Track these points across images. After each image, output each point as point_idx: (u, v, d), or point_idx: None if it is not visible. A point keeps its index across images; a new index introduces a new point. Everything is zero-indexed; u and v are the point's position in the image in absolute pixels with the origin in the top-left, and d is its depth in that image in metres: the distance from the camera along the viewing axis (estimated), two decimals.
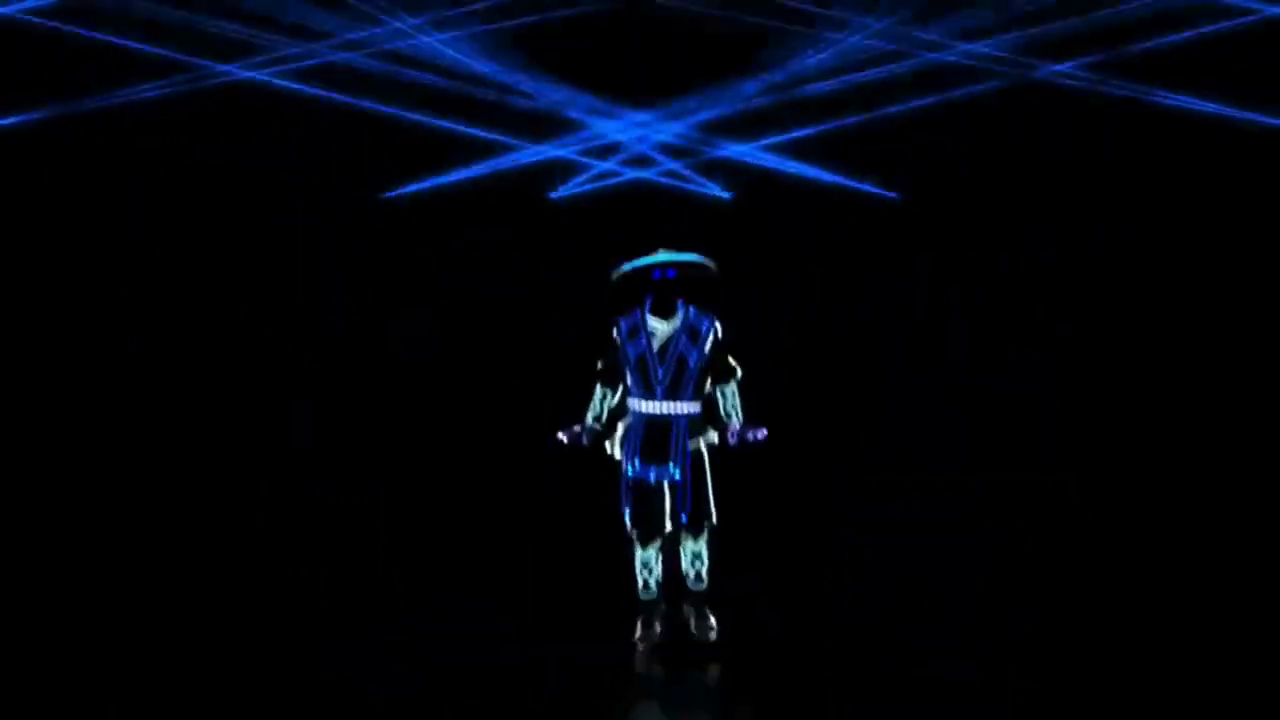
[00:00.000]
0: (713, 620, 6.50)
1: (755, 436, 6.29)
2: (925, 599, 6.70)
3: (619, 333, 6.43)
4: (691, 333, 6.38)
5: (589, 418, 6.47)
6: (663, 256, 6.38)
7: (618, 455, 6.45)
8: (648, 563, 6.55)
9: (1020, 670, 5.88)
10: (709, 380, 6.40)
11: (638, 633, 6.46)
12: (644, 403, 6.36)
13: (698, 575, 6.57)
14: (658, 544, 6.50)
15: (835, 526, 7.84)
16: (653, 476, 6.35)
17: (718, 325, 6.44)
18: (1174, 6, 9.04)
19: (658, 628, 6.50)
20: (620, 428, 6.45)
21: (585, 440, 6.42)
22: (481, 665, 6.02)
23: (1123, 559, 7.27)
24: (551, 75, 9.52)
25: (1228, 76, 9.07)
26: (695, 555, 6.56)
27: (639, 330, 6.40)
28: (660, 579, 6.55)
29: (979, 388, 9.32)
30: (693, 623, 6.53)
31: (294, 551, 7.44)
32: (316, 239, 9.52)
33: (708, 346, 6.38)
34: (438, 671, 5.95)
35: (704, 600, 6.60)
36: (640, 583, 6.55)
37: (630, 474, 6.38)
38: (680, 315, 6.40)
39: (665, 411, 6.35)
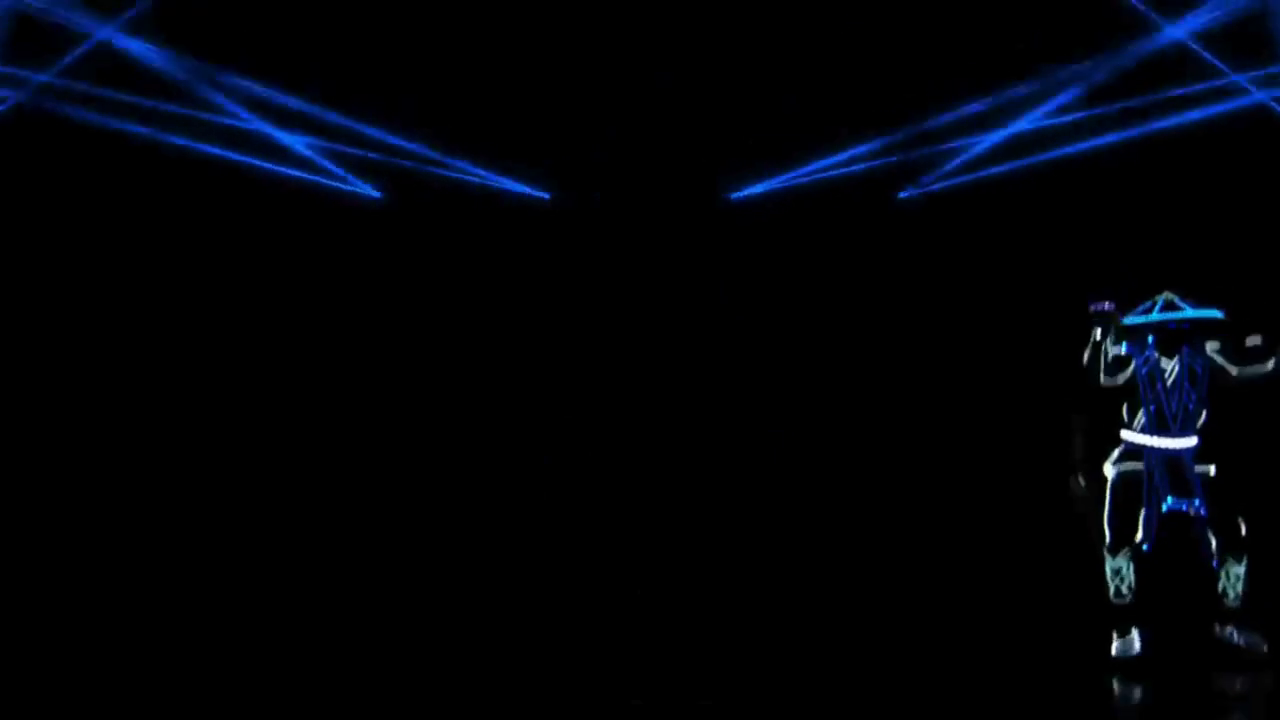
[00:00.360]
0: (1259, 636, 6.48)
1: (1251, 643, 6.45)
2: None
3: (1138, 368, 6.58)
4: (1191, 374, 6.58)
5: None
6: (1186, 313, 6.58)
7: (1108, 472, 6.61)
8: (1119, 570, 6.53)
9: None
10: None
11: (1114, 646, 6.44)
12: (1157, 438, 6.55)
13: (1236, 595, 6.53)
14: (1128, 553, 6.50)
15: None
16: (1184, 507, 6.49)
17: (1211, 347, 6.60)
18: None
19: (1135, 638, 6.46)
20: (1118, 462, 6.63)
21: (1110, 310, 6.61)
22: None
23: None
24: None
25: None
26: (1236, 577, 6.54)
27: (1155, 373, 6.58)
28: (1134, 586, 6.52)
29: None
30: (1236, 637, 6.48)
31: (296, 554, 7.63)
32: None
33: (1205, 389, 6.58)
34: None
35: (1238, 617, 6.55)
36: (1112, 590, 6.53)
37: (1165, 508, 6.49)
38: (1182, 354, 6.60)
39: (1179, 446, 6.53)
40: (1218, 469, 6.57)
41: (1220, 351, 6.60)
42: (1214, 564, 6.51)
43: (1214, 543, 6.48)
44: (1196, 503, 6.48)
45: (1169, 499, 6.50)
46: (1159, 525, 6.50)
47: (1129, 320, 6.64)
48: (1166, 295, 6.63)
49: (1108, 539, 6.56)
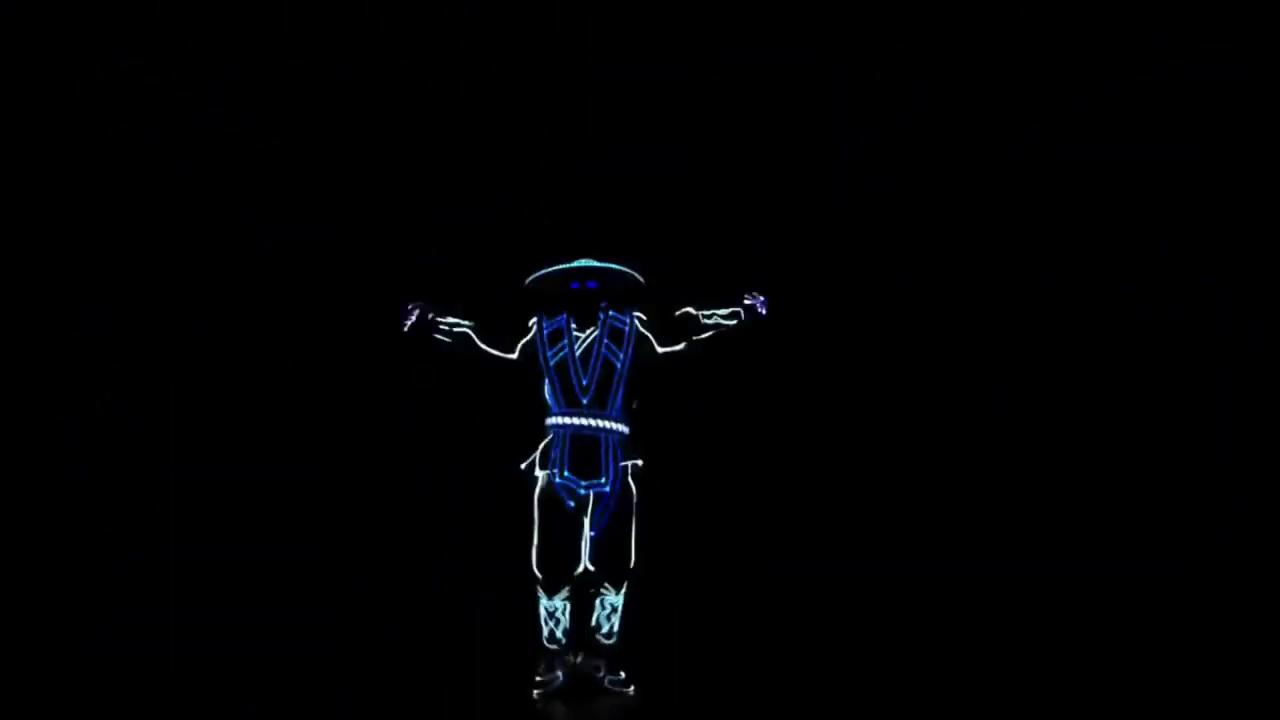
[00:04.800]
0: (623, 674, 6.04)
1: (615, 683, 5.99)
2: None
3: (539, 332, 6.03)
4: (614, 335, 6.02)
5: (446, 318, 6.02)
6: (583, 263, 6.02)
7: (537, 471, 5.96)
8: (554, 612, 6.04)
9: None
10: (691, 324, 6.03)
11: (538, 677, 6.05)
12: (567, 416, 5.95)
13: (610, 631, 6.04)
14: (566, 592, 6.01)
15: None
16: (582, 489, 5.89)
17: (638, 315, 6.07)
18: None
19: (559, 674, 6.06)
20: (540, 447, 6.01)
21: (420, 320, 5.95)
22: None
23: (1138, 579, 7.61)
24: None
25: None
26: (612, 608, 6.03)
27: (562, 334, 6.02)
28: (569, 629, 6.06)
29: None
30: (604, 677, 6.05)
31: None
32: None
33: (633, 345, 6.00)
34: None
35: (613, 654, 6.07)
36: (545, 633, 6.05)
37: (557, 482, 5.89)
38: (601, 320, 6.05)
39: (593, 424, 5.93)
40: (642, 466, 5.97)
41: (648, 323, 6.04)
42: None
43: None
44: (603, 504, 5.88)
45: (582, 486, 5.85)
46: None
47: (532, 280, 6.04)
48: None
49: (538, 575, 5.95)
